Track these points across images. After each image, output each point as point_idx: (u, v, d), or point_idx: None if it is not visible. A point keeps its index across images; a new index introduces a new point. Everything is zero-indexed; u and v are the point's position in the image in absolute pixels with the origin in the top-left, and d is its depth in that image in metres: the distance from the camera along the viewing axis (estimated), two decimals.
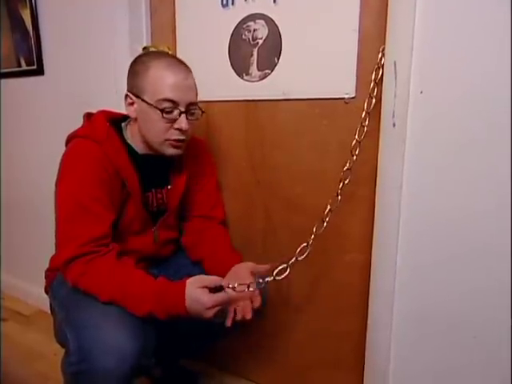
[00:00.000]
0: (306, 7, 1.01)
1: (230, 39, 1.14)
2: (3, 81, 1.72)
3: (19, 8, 1.54)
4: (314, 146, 1.08)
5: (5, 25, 1.61)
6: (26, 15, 1.53)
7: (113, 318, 0.82)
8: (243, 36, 1.12)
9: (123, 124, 1.02)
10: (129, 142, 1.00)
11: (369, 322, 1.03)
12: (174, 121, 0.92)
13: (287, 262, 0.92)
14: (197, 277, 0.86)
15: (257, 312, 0.94)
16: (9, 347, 1.52)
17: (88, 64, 1.42)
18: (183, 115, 0.93)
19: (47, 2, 1.49)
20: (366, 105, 0.93)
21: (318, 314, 1.17)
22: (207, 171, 1.15)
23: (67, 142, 0.98)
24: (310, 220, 1.11)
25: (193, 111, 0.96)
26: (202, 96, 1.22)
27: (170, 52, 1.24)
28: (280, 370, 1.28)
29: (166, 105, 0.91)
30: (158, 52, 0.99)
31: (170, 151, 0.96)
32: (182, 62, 0.97)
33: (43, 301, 1.74)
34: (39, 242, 1.68)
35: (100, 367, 0.77)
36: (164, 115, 0.91)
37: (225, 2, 1.13)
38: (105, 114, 1.01)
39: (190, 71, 0.97)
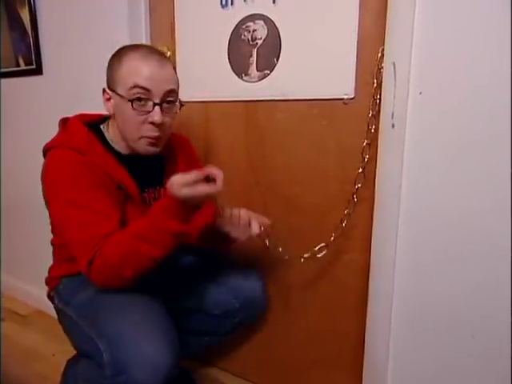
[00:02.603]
0: (305, 8, 1.01)
1: (230, 39, 1.14)
2: (2, 80, 1.71)
3: (18, 7, 1.54)
4: (313, 146, 1.08)
5: (3, 24, 1.61)
6: (25, 14, 1.52)
7: (147, 330, 0.82)
8: (242, 36, 1.12)
9: (102, 126, 0.97)
10: (112, 144, 0.95)
11: (368, 321, 1.03)
12: (147, 113, 0.86)
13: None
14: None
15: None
16: (7, 347, 1.51)
17: (87, 63, 1.42)
18: (157, 107, 0.86)
19: (46, 1, 1.48)
20: (370, 107, 0.94)
21: (317, 313, 1.17)
22: (194, 166, 1.12)
23: (44, 153, 0.93)
24: (309, 220, 1.12)
25: (169, 103, 0.89)
26: (202, 96, 1.22)
27: (168, 52, 1.25)
28: (279, 369, 1.28)
29: (137, 92, 0.84)
30: (134, 44, 0.94)
31: (147, 149, 0.91)
32: (157, 52, 0.91)
33: (41, 301, 1.74)
34: (38, 242, 1.68)
35: (136, 381, 0.77)
36: (134, 105, 0.85)
37: (224, 2, 1.13)
38: (80, 118, 0.96)
39: (167, 61, 0.91)
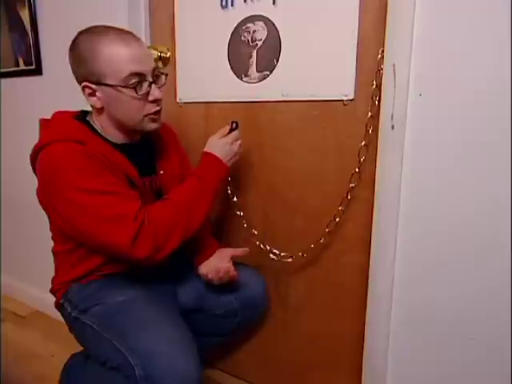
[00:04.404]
0: (305, 9, 1.01)
1: (230, 40, 1.14)
2: (1, 80, 1.71)
3: (18, 8, 1.54)
4: (312, 147, 1.08)
5: (3, 24, 1.61)
6: (25, 15, 1.52)
7: (177, 344, 0.83)
8: (242, 37, 1.12)
9: (88, 118, 0.96)
10: (103, 135, 0.95)
11: (367, 323, 1.03)
12: (146, 94, 0.88)
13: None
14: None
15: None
16: (6, 348, 1.51)
17: None
18: (153, 85, 0.89)
19: (46, 2, 1.48)
20: (370, 108, 0.95)
21: (317, 315, 1.17)
22: (183, 153, 1.15)
23: (35, 154, 0.88)
24: (308, 221, 1.12)
25: (158, 77, 0.92)
26: (201, 97, 1.22)
27: (168, 53, 1.25)
28: (279, 371, 1.28)
29: (134, 80, 0.86)
30: (93, 28, 0.88)
31: (151, 126, 0.93)
32: (127, 31, 0.90)
33: (41, 302, 1.75)
34: (38, 243, 1.67)
35: None
36: (138, 92, 0.86)
37: (224, 3, 1.13)
38: (66, 113, 0.95)
39: (139, 38, 0.91)
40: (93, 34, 0.87)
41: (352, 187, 1.01)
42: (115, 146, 0.94)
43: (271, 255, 1.14)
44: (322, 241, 1.06)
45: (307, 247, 1.08)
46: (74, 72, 0.90)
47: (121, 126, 0.94)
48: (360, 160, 0.99)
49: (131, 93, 0.86)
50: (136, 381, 0.81)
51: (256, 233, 1.18)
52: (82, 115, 0.98)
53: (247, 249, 1.02)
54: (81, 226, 0.84)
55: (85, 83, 0.88)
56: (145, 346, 0.83)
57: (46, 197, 0.90)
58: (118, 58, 0.84)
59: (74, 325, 0.98)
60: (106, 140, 0.94)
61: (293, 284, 1.19)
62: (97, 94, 0.88)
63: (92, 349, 0.98)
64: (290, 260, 1.11)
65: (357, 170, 1.00)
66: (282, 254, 1.12)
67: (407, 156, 0.89)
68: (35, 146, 0.90)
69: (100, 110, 0.92)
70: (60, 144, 0.85)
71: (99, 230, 0.83)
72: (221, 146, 0.99)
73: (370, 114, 0.95)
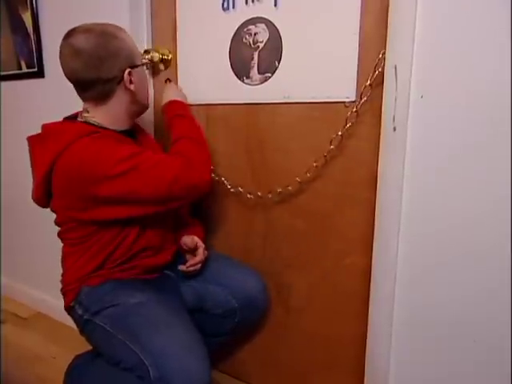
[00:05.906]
0: (306, 11, 1.01)
1: (231, 42, 1.15)
2: (3, 83, 1.72)
3: (20, 10, 1.55)
4: (314, 149, 1.08)
5: (6, 27, 1.61)
6: (27, 18, 1.53)
7: (189, 345, 0.85)
8: (244, 39, 1.12)
9: (80, 119, 0.99)
10: (103, 127, 0.98)
11: (369, 325, 1.03)
12: None
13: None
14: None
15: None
16: (7, 349, 1.51)
17: None
18: None
19: (48, 4, 1.49)
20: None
21: (319, 317, 1.16)
22: (154, 140, 1.22)
23: (50, 165, 0.90)
24: (310, 223, 1.12)
25: None
26: (203, 99, 1.22)
27: (170, 55, 1.26)
28: (280, 372, 1.28)
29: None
30: (88, 26, 0.98)
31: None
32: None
33: (42, 303, 1.75)
34: (39, 244, 1.68)
35: None
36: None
37: (226, 5, 1.14)
38: (55, 122, 0.99)
39: None
40: (97, 26, 0.96)
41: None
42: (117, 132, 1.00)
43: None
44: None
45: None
46: (103, 69, 0.92)
47: (133, 110, 1.02)
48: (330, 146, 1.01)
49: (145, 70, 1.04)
50: (150, 382, 0.82)
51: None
52: (71, 119, 1.01)
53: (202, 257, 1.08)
54: (142, 185, 0.88)
55: (128, 70, 0.94)
56: (158, 347, 0.84)
57: (78, 193, 0.90)
58: (133, 41, 0.98)
59: (86, 327, 0.98)
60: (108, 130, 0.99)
61: (294, 285, 1.19)
62: (132, 78, 0.96)
63: (105, 350, 0.98)
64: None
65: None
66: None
67: (409, 157, 0.89)
68: (48, 157, 0.90)
69: (121, 98, 0.97)
70: (77, 142, 0.89)
71: (159, 175, 0.88)
72: (177, 92, 1.14)
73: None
